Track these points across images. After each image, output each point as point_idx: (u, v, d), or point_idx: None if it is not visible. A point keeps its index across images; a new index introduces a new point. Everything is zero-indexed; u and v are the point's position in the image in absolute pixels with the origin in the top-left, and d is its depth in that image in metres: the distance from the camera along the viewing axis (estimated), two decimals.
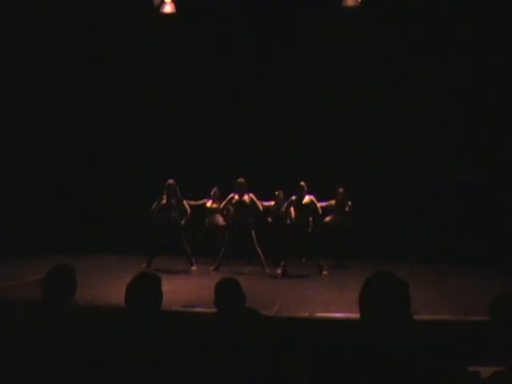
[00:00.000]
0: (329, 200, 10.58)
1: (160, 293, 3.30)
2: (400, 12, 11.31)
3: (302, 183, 9.88)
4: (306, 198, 9.88)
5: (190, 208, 10.32)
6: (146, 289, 3.27)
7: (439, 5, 11.09)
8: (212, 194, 11.06)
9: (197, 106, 12.36)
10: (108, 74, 12.27)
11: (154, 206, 10.12)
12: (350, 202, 10.64)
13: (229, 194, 10.11)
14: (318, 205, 9.95)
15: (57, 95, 12.15)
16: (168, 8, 11.21)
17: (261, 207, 10.08)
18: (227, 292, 3.72)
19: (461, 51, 11.28)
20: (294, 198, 9.94)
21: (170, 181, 10.05)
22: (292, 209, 10.00)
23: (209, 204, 11.09)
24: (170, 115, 12.34)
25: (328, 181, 10.85)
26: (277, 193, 10.61)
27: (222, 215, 10.60)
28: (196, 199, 10.96)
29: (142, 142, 12.42)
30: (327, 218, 10.67)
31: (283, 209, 10.16)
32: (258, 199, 10.10)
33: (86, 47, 12.03)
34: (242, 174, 10.09)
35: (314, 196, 9.95)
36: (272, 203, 10.66)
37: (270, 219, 10.75)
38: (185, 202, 10.20)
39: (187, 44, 12.09)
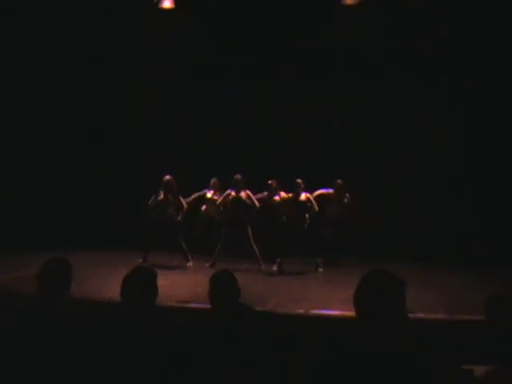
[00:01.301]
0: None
1: (155, 288, 3.30)
2: (401, 11, 11.27)
3: (299, 180, 9.91)
4: (303, 196, 9.91)
5: (191, 203, 10.28)
6: (141, 283, 3.27)
7: (440, 5, 11.07)
8: (212, 183, 10.81)
9: (196, 105, 12.32)
10: (108, 73, 12.22)
11: (150, 201, 10.10)
12: (347, 194, 10.56)
13: (226, 190, 10.14)
14: (315, 202, 9.99)
15: (56, 95, 12.09)
16: (167, 3, 11.17)
17: (257, 204, 10.06)
18: (222, 283, 3.68)
19: (461, 52, 11.28)
20: (290, 194, 9.96)
21: (167, 177, 10.02)
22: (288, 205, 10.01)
23: (209, 195, 10.83)
24: (170, 115, 12.32)
25: (328, 181, 10.86)
26: (270, 182, 10.36)
27: (219, 211, 10.54)
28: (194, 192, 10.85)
29: (141, 140, 12.43)
30: (329, 213, 10.58)
31: (275, 202, 10.15)
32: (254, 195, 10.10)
33: (85, 46, 11.89)
34: (241, 173, 10.12)
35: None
36: (265, 193, 10.37)
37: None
38: (181, 198, 10.17)
39: (187, 42, 11.98)
